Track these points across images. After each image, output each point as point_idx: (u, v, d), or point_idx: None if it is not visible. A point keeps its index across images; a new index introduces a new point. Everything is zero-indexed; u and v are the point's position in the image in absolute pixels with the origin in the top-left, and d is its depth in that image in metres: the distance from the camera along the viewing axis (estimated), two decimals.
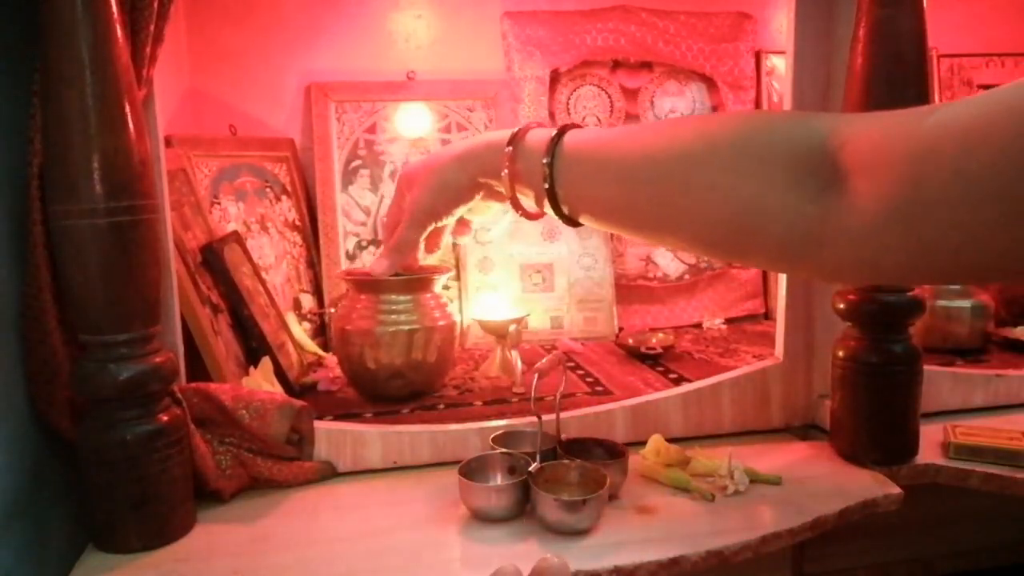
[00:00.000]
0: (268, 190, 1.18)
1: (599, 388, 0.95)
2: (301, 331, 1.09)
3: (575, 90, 1.31)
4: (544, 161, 0.57)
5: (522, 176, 0.60)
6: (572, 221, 0.59)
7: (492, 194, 0.66)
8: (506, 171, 0.60)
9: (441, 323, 0.93)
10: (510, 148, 0.60)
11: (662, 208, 0.52)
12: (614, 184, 0.55)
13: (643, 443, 0.80)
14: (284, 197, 1.20)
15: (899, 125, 0.44)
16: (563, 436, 0.75)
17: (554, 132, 0.58)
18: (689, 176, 0.50)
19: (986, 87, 1.44)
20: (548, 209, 0.59)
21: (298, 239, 1.21)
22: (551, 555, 0.43)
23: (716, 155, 0.50)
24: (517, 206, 0.63)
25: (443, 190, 0.66)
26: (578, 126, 0.60)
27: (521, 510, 0.68)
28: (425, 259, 0.73)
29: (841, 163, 0.45)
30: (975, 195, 0.40)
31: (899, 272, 0.47)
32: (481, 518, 0.67)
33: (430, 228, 0.68)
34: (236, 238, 1.02)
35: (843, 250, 0.45)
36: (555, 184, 0.57)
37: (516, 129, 0.60)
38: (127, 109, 0.59)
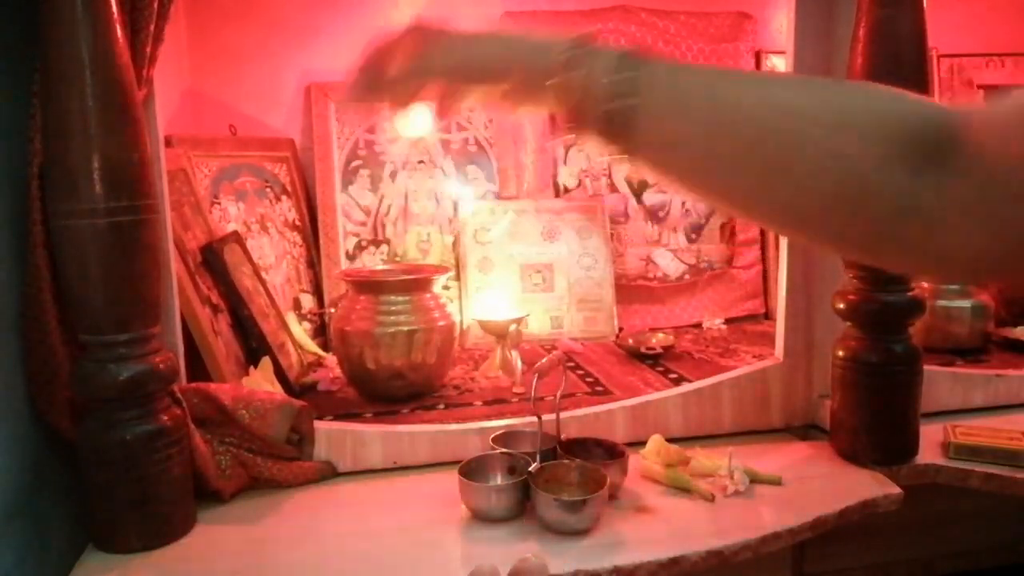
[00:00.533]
0: (268, 190, 1.18)
1: (599, 388, 0.95)
2: (301, 331, 1.09)
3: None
4: (619, 76, 0.46)
5: (576, 88, 0.48)
6: (627, 156, 0.48)
7: (516, 94, 0.53)
8: (558, 78, 0.48)
9: (441, 323, 0.93)
10: (571, 51, 0.48)
11: (760, 165, 0.45)
12: (712, 128, 0.46)
13: (643, 443, 0.80)
14: (284, 197, 1.20)
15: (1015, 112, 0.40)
16: (563, 436, 0.75)
17: (631, 70, 0.46)
18: (800, 134, 0.44)
19: (986, 87, 1.45)
20: (594, 137, 0.48)
21: (298, 239, 1.21)
22: (531, 555, 0.42)
23: (831, 118, 0.44)
24: (557, 122, 0.52)
25: (470, 56, 0.56)
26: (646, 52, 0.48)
27: (521, 510, 0.68)
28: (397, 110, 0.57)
29: (963, 141, 0.41)
30: None
31: (1012, 261, 0.43)
32: (481, 518, 0.67)
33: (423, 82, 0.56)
34: (236, 238, 1.02)
35: (957, 232, 0.41)
36: (628, 111, 0.46)
37: (566, 49, 0.48)
38: (127, 109, 0.59)
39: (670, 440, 0.78)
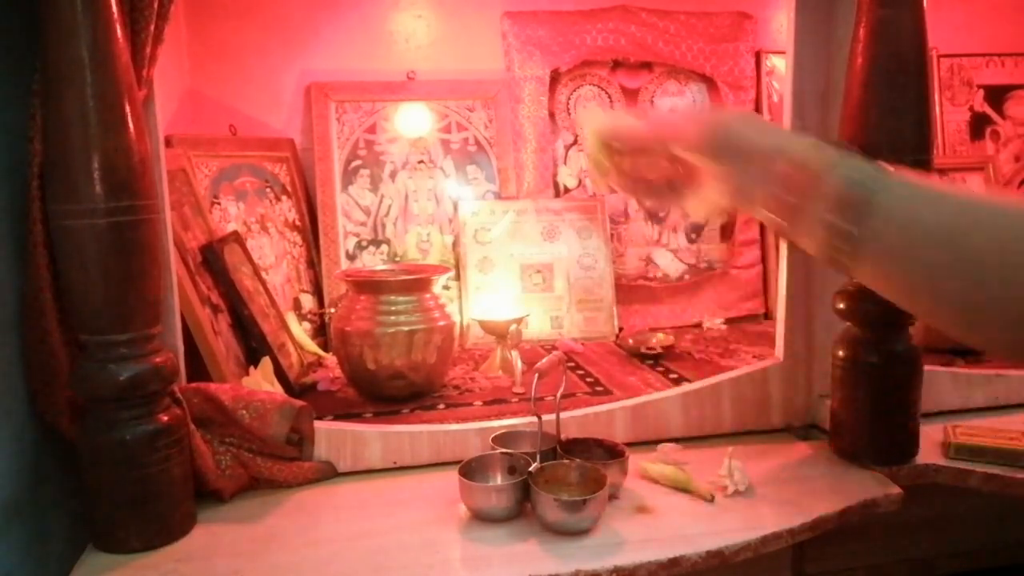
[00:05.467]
0: (268, 190, 1.18)
1: (599, 388, 0.95)
2: (301, 331, 1.09)
3: (575, 90, 1.31)
4: (850, 228, 0.46)
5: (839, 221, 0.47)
6: (849, 261, 0.48)
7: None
8: (826, 213, 0.47)
9: (441, 323, 0.93)
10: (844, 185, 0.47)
11: (973, 300, 0.45)
12: (936, 255, 0.45)
13: (643, 443, 0.80)
14: (284, 197, 1.20)
15: None
16: (563, 436, 0.75)
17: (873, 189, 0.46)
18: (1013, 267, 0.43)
19: (986, 87, 1.45)
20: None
21: (298, 239, 1.21)
22: None
23: None
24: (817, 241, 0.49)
25: (733, 184, 0.53)
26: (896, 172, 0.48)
27: (521, 510, 0.68)
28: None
29: None
30: None
31: None
32: (481, 518, 0.67)
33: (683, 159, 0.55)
34: (236, 238, 1.02)
35: None
36: (860, 247, 0.47)
37: (844, 169, 0.47)
38: (127, 109, 0.59)
39: (670, 440, 0.78)
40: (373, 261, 1.21)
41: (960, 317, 0.47)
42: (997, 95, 1.45)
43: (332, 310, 1.02)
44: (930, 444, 0.79)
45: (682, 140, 0.54)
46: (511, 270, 1.22)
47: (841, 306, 0.76)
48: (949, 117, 1.43)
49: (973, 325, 0.46)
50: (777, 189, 0.50)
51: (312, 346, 1.10)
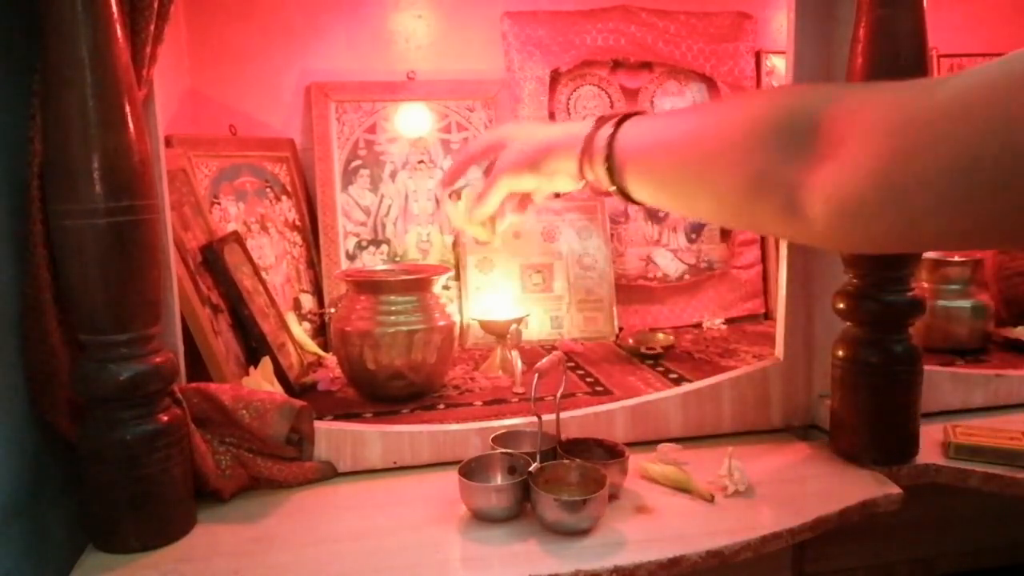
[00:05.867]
0: (268, 190, 1.18)
1: (599, 388, 0.95)
2: (301, 331, 1.09)
3: (575, 90, 1.31)
4: (605, 163, 0.67)
5: (593, 169, 0.69)
6: (633, 200, 0.69)
7: (568, 178, 0.74)
8: (579, 169, 0.70)
9: (441, 323, 0.93)
10: (583, 142, 0.69)
11: (697, 185, 0.60)
12: (658, 176, 0.64)
13: (643, 443, 0.80)
14: (284, 197, 1.20)
15: (891, 98, 0.47)
16: (563, 436, 0.75)
17: (612, 130, 0.67)
18: (711, 167, 0.58)
19: None
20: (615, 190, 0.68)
21: (298, 239, 1.21)
22: None
23: (735, 142, 0.55)
24: (594, 189, 0.72)
25: (530, 170, 0.75)
26: (638, 113, 0.68)
27: (521, 510, 0.68)
28: (502, 223, 0.78)
29: (832, 136, 0.48)
30: (963, 167, 0.42)
31: (886, 239, 0.51)
32: (481, 518, 0.67)
33: (505, 194, 0.76)
34: (236, 238, 1.02)
35: (827, 216, 0.49)
36: (617, 179, 0.67)
37: (590, 127, 0.69)
38: (127, 109, 0.59)
39: (670, 440, 0.78)
40: (373, 261, 1.21)
41: (705, 202, 0.62)
42: None
43: (332, 310, 1.02)
44: (930, 444, 0.79)
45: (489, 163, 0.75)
46: (511, 270, 1.22)
47: (841, 306, 0.76)
48: None
49: (709, 202, 0.60)
50: (554, 156, 0.72)
51: (312, 346, 1.10)
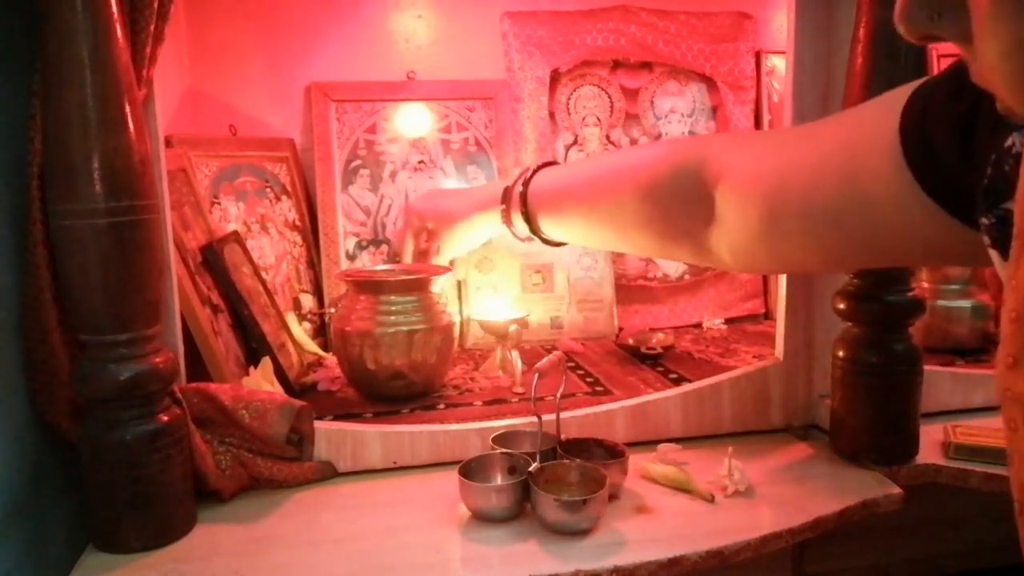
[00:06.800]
0: (268, 190, 1.18)
1: (599, 388, 0.95)
2: (301, 331, 1.09)
3: (575, 90, 1.31)
4: (520, 213, 0.82)
5: (515, 225, 0.85)
6: (552, 243, 0.84)
7: (495, 228, 0.91)
8: (503, 225, 0.86)
9: (441, 323, 0.93)
10: (504, 207, 0.83)
11: (609, 230, 0.74)
12: (572, 224, 0.78)
13: (643, 443, 0.80)
14: (284, 197, 1.20)
15: (760, 160, 0.58)
16: (563, 436, 0.75)
17: (527, 179, 0.81)
18: (621, 222, 0.71)
19: None
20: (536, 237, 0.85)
21: (298, 239, 1.21)
22: None
23: (636, 204, 0.68)
24: (519, 238, 0.87)
25: (463, 242, 0.97)
26: (552, 163, 0.83)
27: (521, 510, 0.68)
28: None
29: (716, 202, 0.61)
30: (818, 222, 0.53)
31: (773, 269, 0.76)
32: (481, 518, 0.67)
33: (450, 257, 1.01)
34: (236, 238, 1.02)
35: (732, 259, 0.63)
36: (535, 227, 0.82)
37: (504, 187, 0.83)
38: (127, 109, 0.59)
39: (670, 440, 0.78)
40: (373, 261, 1.21)
41: (620, 244, 0.79)
42: None
43: (332, 310, 1.02)
44: (930, 444, 0.79)
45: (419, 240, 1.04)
46: (511, 270, 1.22)
47: (841, 306, 0.76)
48: None
49: (622, 235, 0.73)
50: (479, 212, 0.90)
51: (312, 346, 1.10)
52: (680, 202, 0.64)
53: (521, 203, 0.81)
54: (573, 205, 0.76)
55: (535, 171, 0.82)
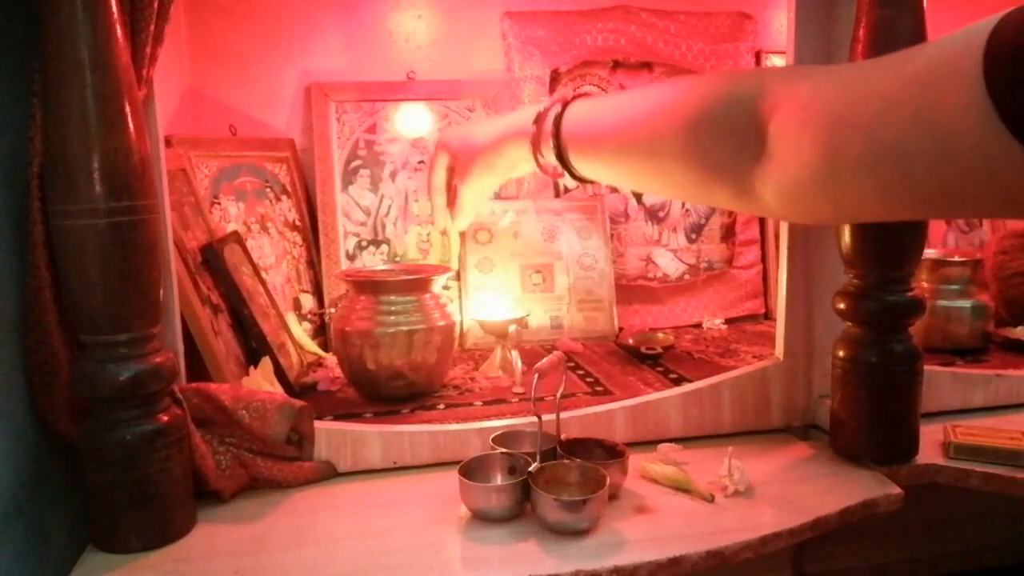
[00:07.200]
0: (268, 190, 1.18)
1: (599, 388, 0.95)
2: (301, 331, 1.09)
3: (575, 90, 1.31)
4: (552, 143, 0.71)
5: (544, 155, 0.74)
6: (584, 180, 0.74)
7: (525, 163, 0.79)
8: (531, 154, 0.75)
9: (441, 323, 0.93)
10: (534, 127, 0.74)
11: (647, 167, 0.65)
12: (607, 158, 0.69)
13: (643, 443, 0.80)
14: (284, 197, 1.20)
15: (823, 91, 0.52)
16: (563, 436, 0.75)
17: (559, 111, 0.72)
18: (660, 155, 0.62)
19: None
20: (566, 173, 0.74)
21: (298, 239, 1.21)
22: None
23: (679, 134, 0.60)
24: (546, 172, 0.77)
25: (489, 173, 0.82)
26: (587, 94, 0.73)
27: (521, 510, 0.68)
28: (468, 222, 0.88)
29: (770, 134, 0.54)
30: (883, 160, 0.47)
31: (828, 216, 0.62)
32: (481, 518, 0.67)
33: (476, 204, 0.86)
34: (236, 238, 1.02)
35: (779, 203, 0.56)
36: (565, 160, 0.72)
37: (537, 112, 0.73)
38: (127, 109, 0.59)
39: (670, 440, 0.78)
40: (373, 261, 1.21)
41: (657, 183, 0.68)
42: None
43: (332, 310, 1.02)
44: (930, 444, 0.79)
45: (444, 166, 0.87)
46: (511, 270, 1.22)
47: (841, 306, 0.76)
48: None
49: (659, 171, 0.64)
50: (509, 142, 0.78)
51: (312, 346, 1.10)
52: (728, 133, 0.57)
53: (554, 134, 0.72)
54: (609, 137, 0.68)
55: (571, 100, 0.73)
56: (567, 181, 0.84)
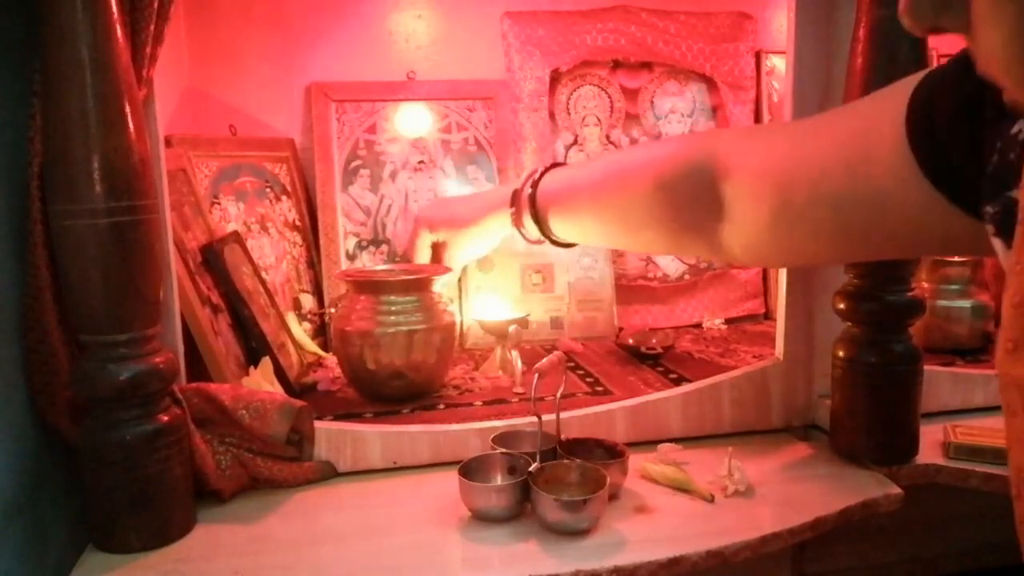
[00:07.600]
0: (268, 190, 1.18)
1: (599, 388, 0.95)
2: (301, 331, 1.09)
3: (575, 90, 1.31)
4: (531, 213, 0.83)
5: (525, 228, 0.85)
6: (562, 244, 0.85)
7: (505, 231, 0.92)
8: (512, 222, 0.86)
9: (441, 323, 0.93)
10: (513, 209, 0.84)
11: (623, 237, 0.76)
12: (585, 225, 0.78)
13: (643, 443, 0.80)
14: (284, 197, 1.20)
15: (770, 152, 0.58)
16: (563, 436, 0.75)
17: (536, 180, 0.82)
18: (633, 220, 0.71)
19: None
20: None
21: (298, 239, 1.21)
22: None
23: (647, 202, 0.68)
24: (530, 241, 0.88)
25: (475, 247, 0.98)
26: (559, 164, 0.83)
27: (521, 510, 0.68)
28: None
29: (725, 198, 0.61)
30: (825, 214, 0.53)
31: (789, 263, 0.74)
32: (481, 518, 0.67)
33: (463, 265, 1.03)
34: (236, 238, 1.02)
35: (745, 255, 0.65)
36: (543, 226, 0.82)
37: (514, 190, 0.84)
38: (127, 109, 0.59)
39: (670, 440, 0.78)
40: (373, 261, 1.21)
41: (631, 243, 0.83)
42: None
43: (332, 310, 1.02)
44: (930, 444, 0.79)
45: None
46: (511, 270, 1.22)
47: (841, 306, 0.76)
48: None
49: (633, 233, 0.73)
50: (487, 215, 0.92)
51: (312, 346, 1.10)
52: (691, 198, 0.64)
53: (531, 205, 0.81)
54: (583, 204, 0.76)
55: (543, 172, 0.81)
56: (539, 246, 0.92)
